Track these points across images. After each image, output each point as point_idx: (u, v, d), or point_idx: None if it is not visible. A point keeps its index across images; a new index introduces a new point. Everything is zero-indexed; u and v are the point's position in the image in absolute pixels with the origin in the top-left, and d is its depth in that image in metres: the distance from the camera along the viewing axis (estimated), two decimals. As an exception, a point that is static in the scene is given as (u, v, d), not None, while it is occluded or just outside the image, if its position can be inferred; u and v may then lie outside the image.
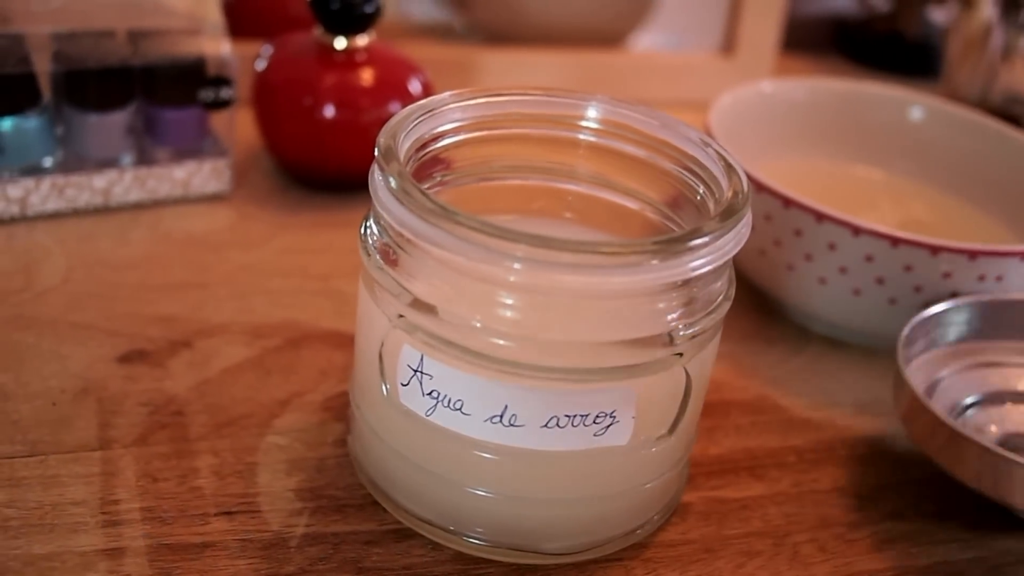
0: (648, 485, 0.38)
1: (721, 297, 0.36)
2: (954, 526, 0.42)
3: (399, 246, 0.34)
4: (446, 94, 0.39)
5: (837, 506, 0.42)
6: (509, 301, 0.33)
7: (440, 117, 0.38)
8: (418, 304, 0.34)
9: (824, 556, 0.40)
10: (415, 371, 0.35)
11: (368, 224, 0.36)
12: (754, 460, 0.44)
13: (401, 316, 0.35)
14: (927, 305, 0.46)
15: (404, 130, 0.36)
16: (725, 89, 0.57)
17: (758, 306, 0.54)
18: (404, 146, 0.36)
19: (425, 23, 0.88)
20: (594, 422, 0.35)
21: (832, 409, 0.47)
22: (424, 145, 0.38)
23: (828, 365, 0.50)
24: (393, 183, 0.34)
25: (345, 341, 0.47)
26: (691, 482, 0.42)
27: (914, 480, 0.44)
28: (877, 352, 0.51)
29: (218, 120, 0.56)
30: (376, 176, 0.35)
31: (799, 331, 0.52)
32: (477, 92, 0.39)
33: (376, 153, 0.35)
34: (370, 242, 0.36)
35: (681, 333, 0.35)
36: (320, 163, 0.56)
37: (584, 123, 0.41)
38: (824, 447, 0.45)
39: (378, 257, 0.35)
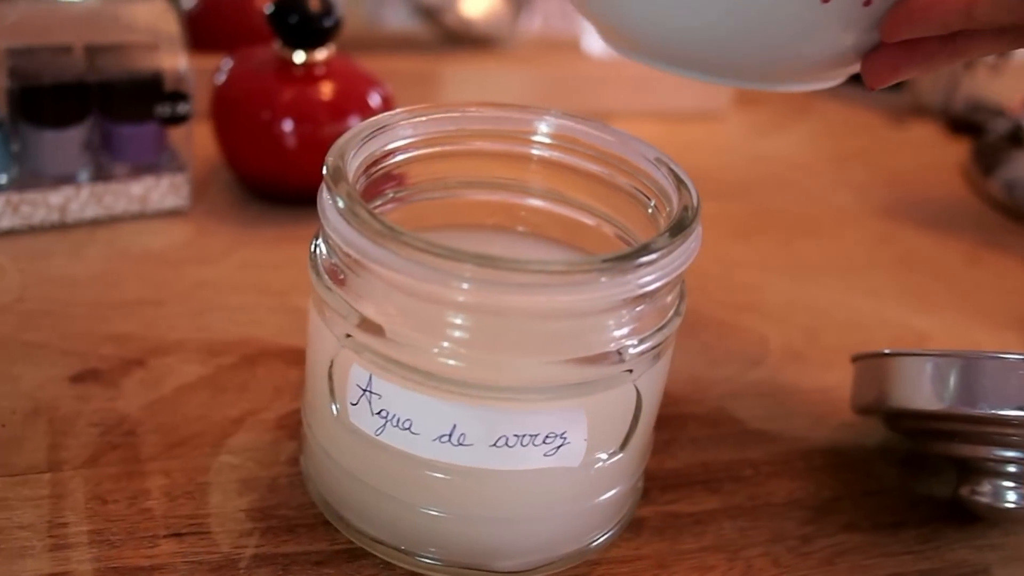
0: (600, 501, 0.38)
1: (672, 312, 0.36)
2: (908, 538, 0.42)
3: (347, 266, 0.34)
4: (397, 111, 0.39)
5: (792, 519, 0.42)
6: (457, 321, 0.33)
7: (391, 134, 0.38)
8: (366, 324, 0.34)
9: (777, 570, 0.40)
10: (364, 390, 0.35)
11: (317, 243, 0.36)
12: (710, 473, 0.44)
13: (349, 336, 0.34)
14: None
15: (353, 149, 0.36)
16: (687, 98, 0.57)
17: (715, 319, 0.54)
18: (353, 164, 0.36)
19: (400, 32, 0.88)
20: (544, 442, 0.34)
21: (789, 421, 0.48)
22: (375, 162, 0.38)
23: (785, 377, 0.51)
24: (341, 203, 0.34)
25: (301, 358, 0.46)
26: (646, 496, 0.42)
27: (870, 492, 0.44)
28: (833, 365, 0.51)
29: (176, 135, 0.56)
30: (324, 196, 0.35)
31: (758, 343, 0.53)
32: (428, 108, 0.39)
33: (324, 173, 0.35)
34: (319, 262, 0.36)
35: (631, 350, 0.35)
36: (279, 178, 0.56)
37: (536, 138, 0.41)
38: (780, 459, 0.45)
39: (326, 277, 0.35)
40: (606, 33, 0.40)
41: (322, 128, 0.55)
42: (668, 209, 0.37)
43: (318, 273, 0.35)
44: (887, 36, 0.36)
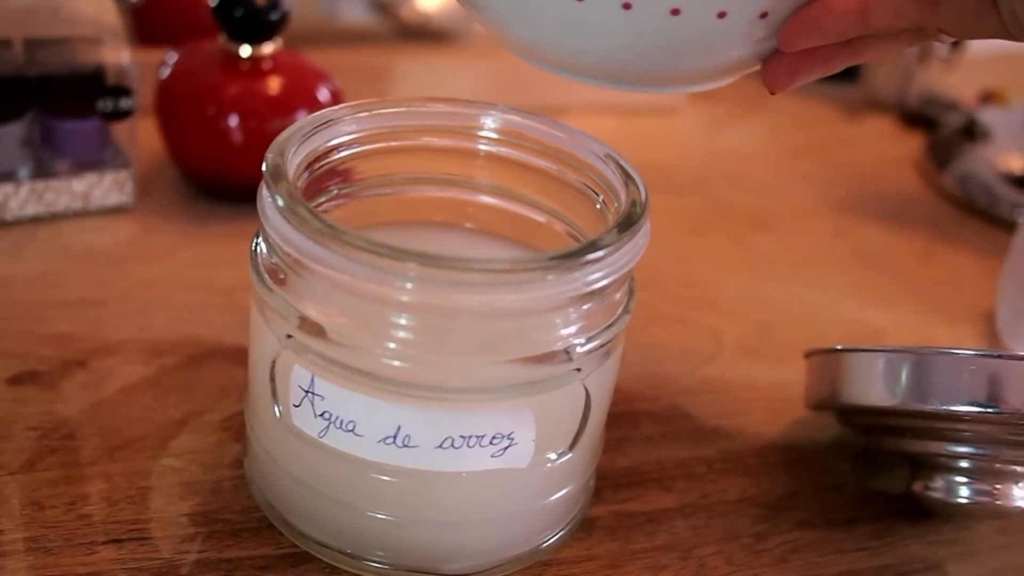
0: (550, 501, 0.37)
1: (621, 310, 0.36)
2: (862, 534, 0.42)
3: (288, 266, 0.33)
4: (339, 106, 0.38)
5: (745, 516, 0.42)
6: (400, 321, 0.32)
7: (333, 130, 0.37)
8: (307, 325, 0.33)
9: (730, 568, 0.39)
10: (307, 392, 0.34)
11: (258, 242, 0.35)
12: (663, 471, 0.43)
13: (290, 337, 0.34)
14: None
15: (294, 145, 0.35)
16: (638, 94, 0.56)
17: (669, 315, 0.54)
18: (295, 161, 0.35)
19: (356, 26, 0.87)
20: (491, 443, 0.34)
21: (743, 417, 0.47)
22: (318, 158, 0.37)
23: (739, 373, 0.50)
24: (281, 202, 0.33)
25: (247, 357, 0.45)
26: (598, 495, 0.41)
27: (823, 488, 0.44)
28: (787, 361, 0.51)
29: (120, 130, 0.55)
30: (264, 194, 0.34)
31: (712, 339, 0.52)
32: (372, 104, 0.39)
33: (263, 170, 0.34)
34: (259, 261, 0.35)
35: (579, 349, 0.34)
36: (225, 174, 0.55)
37: (483, 133, 0.40)
38: (734, 456, 0.45)
39: (267, 277, 0.34)
40: (507, 43, 0.39)
41: (269, 123, 0.54)
42: (616, 205, 0.36)
43: (258, 272, 0.35)
44: (785, 46, 0.36)
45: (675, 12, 0.34)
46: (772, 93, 0.38)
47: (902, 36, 0.36)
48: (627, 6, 0.34)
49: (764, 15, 0.35)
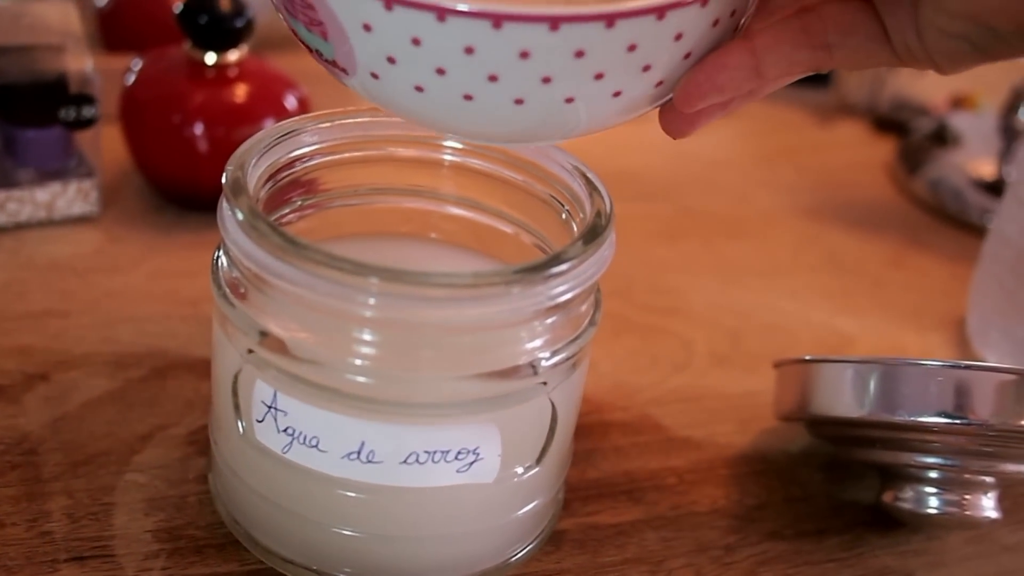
0: (518, 515, 0.37)
1: (587, 322, 0.36)
2: (832, 545, 0.42)
3: (248, 280, 0.33)
4: (301, 117, 0.38)
5: (715, 528, 0.42)
6: (363, 336, 0.32)
7: (295, 140, 0.37)
8: (268, 340, 0.33)
9: (700, 581, 0.39)
10: (269, 407, 0.34)
11: (219, 255, 0.35)
12: (633, 483, 0.43)
13: (251, 352, 0.33)
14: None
15: (254, 157, 0.35)
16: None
17: (640, 323, 0.53)
18: (256, 173, 0.35)
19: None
20: (456, 458, 0.34)
21: (713, 427, 0.47)
22: (280, 170, 0.37)
23: (710, 381, 0.50)
24: (240, 216, 0.32)
25: (213, 370, 0.45)
26: (567, 508, 0.41)
27: (793, 498, 0.44)
28: (758, 369, 0.50)
29: (85, 139, 0.54)
30: (224, 208, 0.33)
31: (683, 347, 0.52)
32: (335, 114, 0.38)
33: (223, 184, 0.33)
34: (220, 274, 0.34)
35: (544, 363, 0.34)
36: (191, 182, 0.54)
37: (448, 143, 0.40)
38: (704, 467, 0.45)
39: (228, 291, 0.34)
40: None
41: (235, 131, 0.53)
42: (581, 216, 0.36)
43: (220, 286, 0.34)
44: (683, 108, 0.35)
45: (569, 101, 0.32)
46: (674, 139, 0.37)
47: (795, 73, 0.36)
48: (519, 101, 0.32)
49: (660, 84, 0.34)
